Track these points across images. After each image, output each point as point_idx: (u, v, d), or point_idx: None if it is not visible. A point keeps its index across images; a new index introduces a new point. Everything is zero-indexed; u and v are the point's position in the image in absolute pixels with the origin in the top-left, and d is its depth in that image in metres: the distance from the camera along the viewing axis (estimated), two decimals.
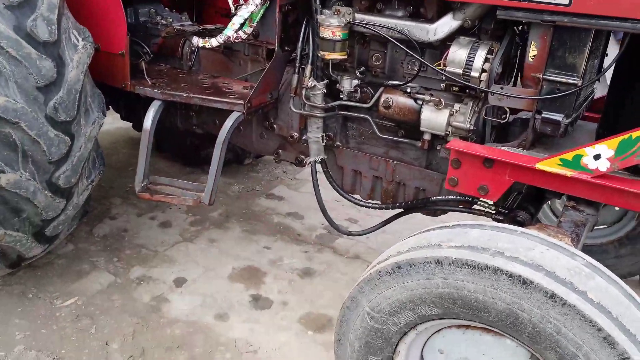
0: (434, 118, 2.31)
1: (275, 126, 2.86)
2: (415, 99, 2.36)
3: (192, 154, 4.40)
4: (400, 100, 2.40)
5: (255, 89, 2.61)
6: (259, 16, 2.71)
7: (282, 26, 2.56)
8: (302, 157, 2.89)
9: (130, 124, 4.25)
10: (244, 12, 2.66)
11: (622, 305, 1.47)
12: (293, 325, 2.86)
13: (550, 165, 1.93)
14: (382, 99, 2.43)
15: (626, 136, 1.77)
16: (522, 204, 2.33)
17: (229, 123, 2.61)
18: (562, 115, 2.00)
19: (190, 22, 3.33)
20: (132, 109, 3.55)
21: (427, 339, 1.86)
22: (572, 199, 2.11)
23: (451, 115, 2.28)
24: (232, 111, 2.64)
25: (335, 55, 2.39)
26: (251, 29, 2.74)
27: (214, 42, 2.72)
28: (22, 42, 2.09)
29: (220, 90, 2.77)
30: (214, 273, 3.23)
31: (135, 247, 3.36)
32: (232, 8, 2.91)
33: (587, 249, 2.86)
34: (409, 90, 2.40)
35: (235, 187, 4.33)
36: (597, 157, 1.84)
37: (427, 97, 2.31)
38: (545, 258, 1.54)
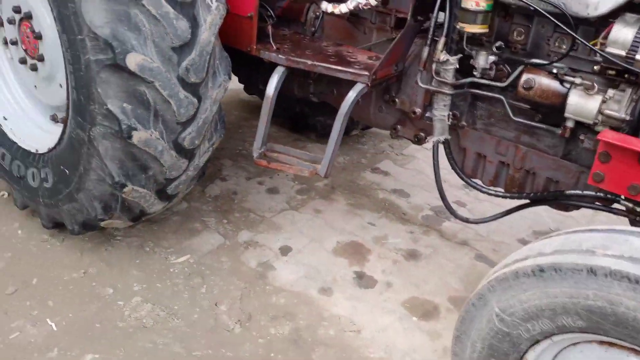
0: (582, 104, 2.07)
1: (396, 100, 2.73)
2: (562, 81, 2.13)
3: (301, 121, 4.38)
4: (544, 81, 2.18)
5: (382, 60, 2.48)
6: None
7: None
8: (422, 134, 2.75)
9: (241, 86, 4.28)
10: None
11: None
12: (397, 308, 2.78)
13: None
14: (522, 79, 2.21)
15: None
16: None
17: (352, 95, 2.51)
18: None
19: None
20: (250, 73, 3.55)
21: (561, 350, 1.70)
22: None
23: (604, 102, 2.04)
24: (355, 82, 2.53)
25: (476, 28, 2.20)
26: None
27: (343, 8, 2.61)
28: (162, 1, 2.09)
29: (345, 60, 2.66)
30: (318, 244, 3.20)
31: (244, 210, 3.40)
32: None
33: None
34: (554, 71, 2.17)
35: (341, 158, 4.25)
36: None
37: (577, 80, 2.07)
38: None
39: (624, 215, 2.17)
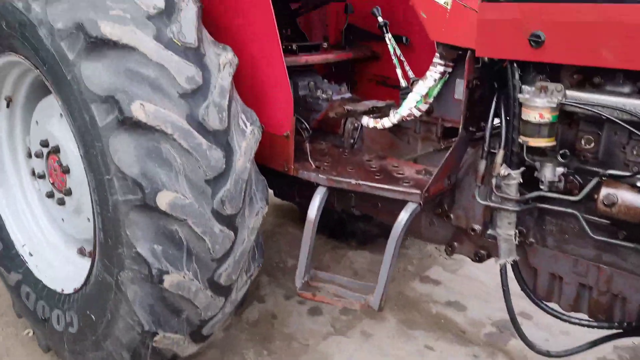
0: None
1: (451, 215, 2.47)
2: None
3: (339, 228, 4.15)
4: (629, 196, 1.89)
5: (434, 176, 2.26)
6: (436, 91, 2.40)
7: (468, 103, 2.20)
8: (483, 252, 2.45)
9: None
10: (421, 89, 2.36)
11: None
12: None
13: None
14: (601, 194, 1.93)
15: None
16: None
17: (404, 216, 2.26)
18: None
19: (349, 95, 3.10)
20: (286, 187, 3.36)
21: None
22: None
23: None
24: (406, 202, 2.29)
25: (542, 142, 1.96)
26: (426, 106, 2.44)
27: (386, 122, 2.44)
28: (194, 132, 1.94)
29: (391, 176, 2.45)
30: None
31: (285, 337, 3.09)
32: (402, 83, 2.65)
33: None
34: (638, 184, 1.89)
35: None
36: None
37: None
38: None
39: None
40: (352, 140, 2.85)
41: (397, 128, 2.72)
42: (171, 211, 1.89)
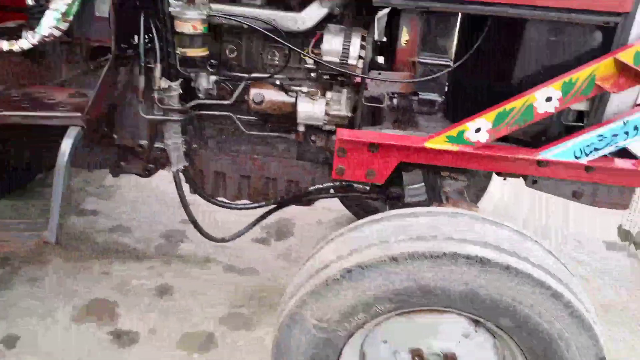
0: (311, 110, 2.25)
1: (115, 136, 2.45)
2: (288, 91, 2.27)
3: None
4: (272, 94, 2.27)
5: (93, 98, 2.18)
6: (74, 9, 2.25)
7: (116, 21, 2.17)
8: (152, 166, 2.55)
9: None
10: (59, 5, 2.17)
11: (551, 261, 1.69)
12: (174, 352, 2.58)
13: (438, 143, 2.06)
14: (252, 94, 2.26)
15: (501, 109, 1.98)
16: (393, 181, 2.47)
17: (68, 142, 2.12)
18: (437, 95, 2.15)
19: None
20: None
21: (368, 333, 1.86)
22: (445, 169, 2.30)
23: (327, 104, 2.26)
24: (67, 127, 2.16)
25: (198, 52, 2.13)
26: (67, 25, 2.27)
27: (24, 44, 2.17)
28: None
29: (42, 102, 2.24)
30: (51, 320, 2.70)
31: None
32: (30, 1, 2.38)
33: None
34: (278, 82, 2.29)
35: (33, 209, 3.62)
36: (477, 130, 2.02)
37: (303, 89, 2.24)
38: (487, 234, 1.66)
39: (361, 197, 2.48)
40: None
41: (35, 52, 2.45)
42: None
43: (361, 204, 3.48)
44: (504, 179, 2.87)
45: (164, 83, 2.21)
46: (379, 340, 1.86)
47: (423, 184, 2.35)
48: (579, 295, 1.64)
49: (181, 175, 2.45)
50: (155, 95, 2.25)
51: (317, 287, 1.68)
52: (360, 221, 1.86)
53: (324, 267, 1.73)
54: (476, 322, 1.76)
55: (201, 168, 2.54)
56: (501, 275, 1.56)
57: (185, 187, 2.53)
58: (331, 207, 3.82)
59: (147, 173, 2.57)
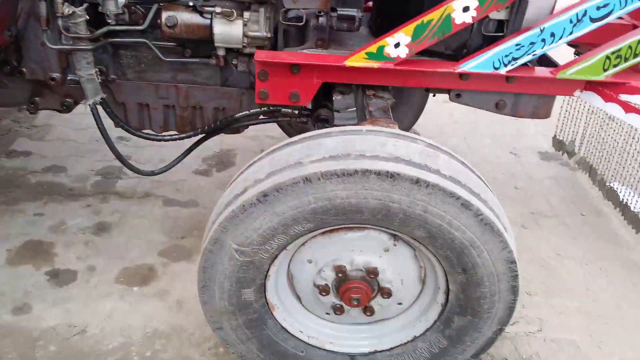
0: (228, 31, 2.15)
1: (24, 70, 2.31)
2: (202, 13, 2.15)
3: None
4: (186, 16, 2.16)
5: None
6: None
7: None
8: (70, 100, 2.44)
9: None
10: None
11: (463, 173, 1.71)
12: (113, 288, 2.57)
13: (358, 60, 2.01)
14: (163, 18, 2.14)
15: (419, 21, 1.93)
16: (321, 103, 2.43)
17: None
18: (356, 10, 2.08)
19: None
20: None
21: (293, 254, 1.89)
22: (371, 88, 2.27)
23: (245, 25, 2.16)
24: None
25: None
26: None
27: None
28: None
29: None
30: None
31: None
32: None
33: None
34: (191, 4, 2.16)
35: None
36: (397, 45, 1.98)
37: (217, 9, 2.12)
38: (399, 149, 1.66)
39: (289, 120, 2.44)
40: None
41: None
42: None
43: (302, 129, 3.45)
44: (434, 95, 2.87)
45: (67, 9, 2.07)
46: (305, 260, 1.89)
47: (354, 107, 2.33)
48: (489, 203, 1.68)
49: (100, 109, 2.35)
50: (60, 22, 2.11)
51: (236, 212, 1.68)
52: (279, 144, 1.84)
53: (242, 191, 1.72)
54: (395, 236, 1.80)
55: (122, 100, 2.44)
56: (411, 189, 1.58)
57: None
58: (274, 134, 3.79)
59: (66, 108, 2.46)
